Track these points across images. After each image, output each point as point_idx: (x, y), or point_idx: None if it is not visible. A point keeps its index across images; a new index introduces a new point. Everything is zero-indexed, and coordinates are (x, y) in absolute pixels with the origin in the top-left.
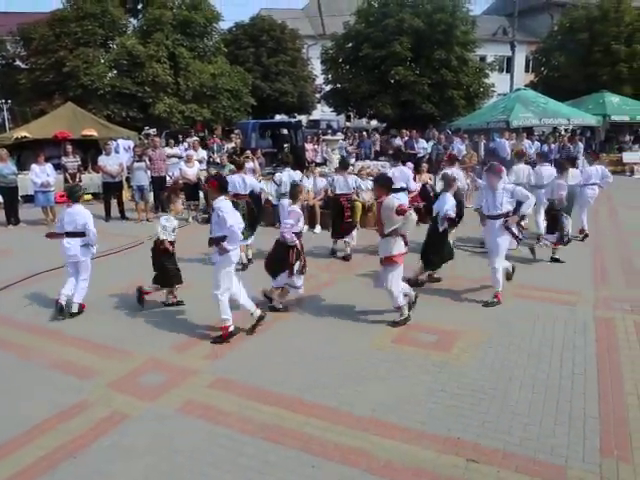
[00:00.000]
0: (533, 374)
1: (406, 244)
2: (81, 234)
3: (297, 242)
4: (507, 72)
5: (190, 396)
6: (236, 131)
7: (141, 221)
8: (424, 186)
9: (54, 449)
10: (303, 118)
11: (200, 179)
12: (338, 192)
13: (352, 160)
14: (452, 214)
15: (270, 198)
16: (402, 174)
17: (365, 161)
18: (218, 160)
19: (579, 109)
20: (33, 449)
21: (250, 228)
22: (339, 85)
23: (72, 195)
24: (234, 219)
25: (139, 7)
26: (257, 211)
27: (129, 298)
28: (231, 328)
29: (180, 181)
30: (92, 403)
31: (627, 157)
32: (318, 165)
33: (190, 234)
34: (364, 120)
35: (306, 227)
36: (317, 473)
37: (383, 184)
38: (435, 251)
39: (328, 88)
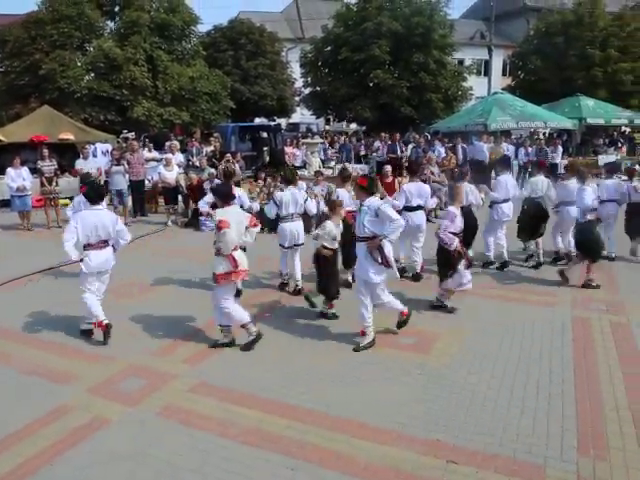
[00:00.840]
0: (512, 374)
1: (236, 265)
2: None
3: (456, 241)
4: (485, 75)
5: (170, 401)
6: (215, 134)
7: None
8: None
9: (33, 455)
10: (283, 121)
11: (179, 183)
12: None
13: (332, 163)
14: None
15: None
16: (419, 190)
17: (344, 164)
18: (197, 164)
19: (555, 112)
20: (11, 456)
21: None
22: (318, 88)
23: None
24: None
25: (116, 10)
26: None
27: (108, 303)
28: None
29: (159, 185)
30: (71, 408)
31: (602, 160)
32: (298, 168)
33: (170, 238)
34: (343, 123)
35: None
36: (297, 476)
37: (219, 195)
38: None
39: (307, 91)
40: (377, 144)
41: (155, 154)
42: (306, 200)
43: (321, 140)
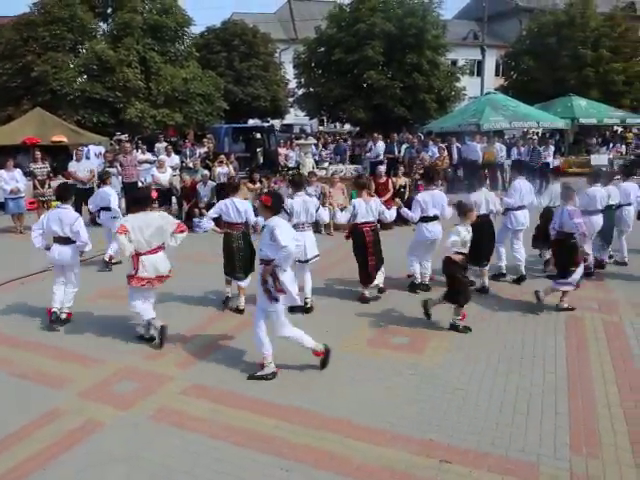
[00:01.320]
0: (505, 373)
1: (135, 269)
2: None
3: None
4: (478, 76)
5: (163, 403)
6: (208, 135)
7: None
8: (399, 190)
9: (25, 459)
10: (276, 122)
11: (174, 185)
12: (360, 220)
13: (325, 164)
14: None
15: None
16: (435, 199)
17: (338, 165)
18: (191, 165)
19: (548, 112)
20: (3, 459)
21: (245, 267)
22: (312, 89)
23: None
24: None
25: (109, 11)
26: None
27: (100, 306)
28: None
29: (153, 187)
30: (64, 412)
31: (594, 160)
32: (291, 169)
33: None
34: (337, 124)
35: None
36: (290, 476)
37: (132, 201)
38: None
39: (301, 92)
40: (370, 144)
41: (148, 156)
42: (318, 208)
43: (314, 141)
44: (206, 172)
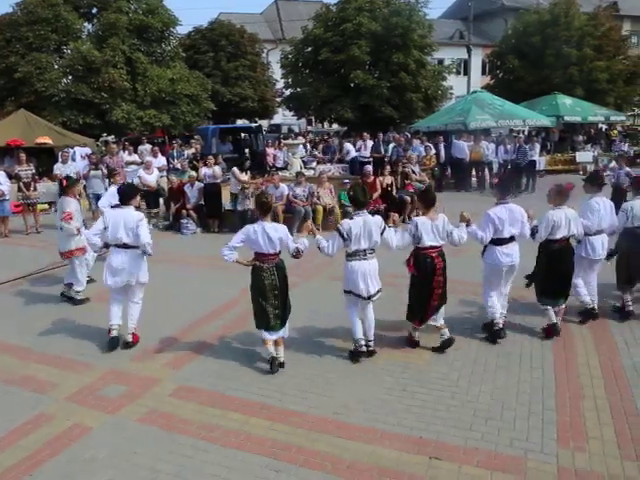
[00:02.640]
0: (493, 370)
1: None
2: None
3: None
4: (465, 75)
5: (152, 406)
6: (196, 136)
7: None
8: (386, 188)
9: (12, 466)
10: (264, 123)
11: (161, 187)
12: (426, 244)
13: (313, 164)
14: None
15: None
16: (512, 215)
17: (326, 164)
18: (178, 166)
19: (534, 110)
20: None
21: (283, 312)
22: (299, 89)
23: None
24: None
25: (94, 11)
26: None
27: (84, 308)
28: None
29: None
30: (51, 417)
31: (580, 157)
32: (279, 170)
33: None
34: (325, 124)
35: None
36: (281, 477)
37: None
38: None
39: (288, 92)
40: (359, 144)
41: (135, 157)
42: (384, 230)
43: (302, 140)
44: (193, 173)
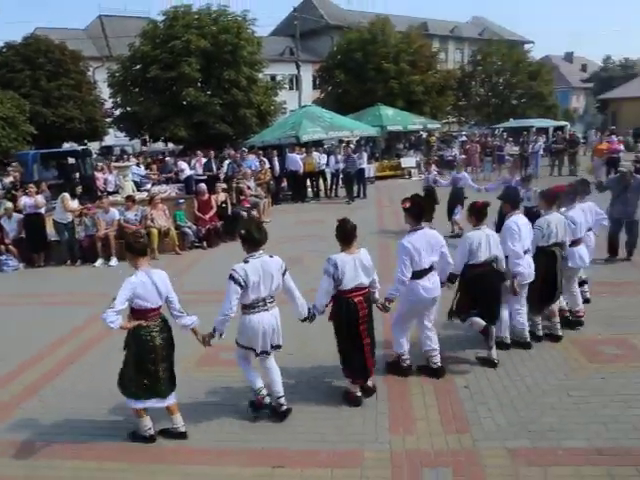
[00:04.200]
0: (321, 375)
1: None
2: None
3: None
4: (297, 89)
5: None
6: (14, 164)
7: None
8: (221, 206)
9: None
10: (95, 145)
11: None
12: (347, 286)
13: (148, 186)
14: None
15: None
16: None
17: (161, 185)
18: None
19: (360, 121)
20: None
21: (171, 375)
22: (129, 109)
23: None
24: None
25: None
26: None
27: None
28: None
29: None
30: None
31: (404, 162)
32: (110, 194)
33: None
34: (161, 143)
35: (100, 261)
36: None
37: None
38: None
39: (118, 112)
40: (193, 162)
41: None
42: (285, 272)
43: (133, 162)
44: (9, 204)
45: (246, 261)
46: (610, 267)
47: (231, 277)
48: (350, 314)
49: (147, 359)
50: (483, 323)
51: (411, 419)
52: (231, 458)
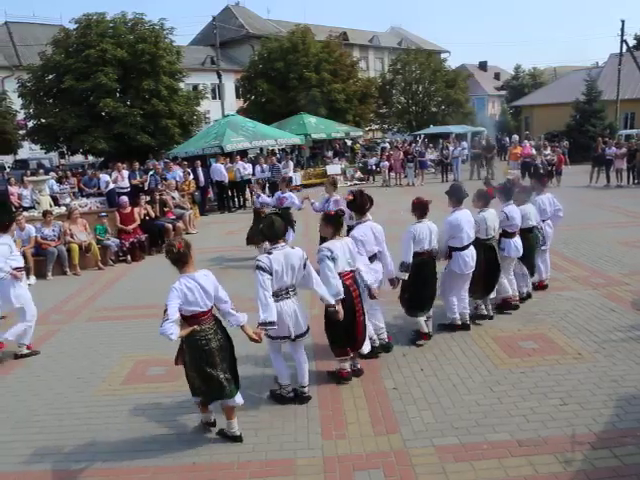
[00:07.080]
0: (248, 386)
1: None
2: None
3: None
4: (220, 99)
5: None
6: None
7: None
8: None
9: None
10: (9, 158)
11: None
12: (340, 269)
13: (67, 200)
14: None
15: None
16: (375, 232)
17: (81, 199)
18: None
19: (284, 130)
20: None
21: (233, 373)
22: (43, 120)
23: None
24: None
25: None
26: None
27: None
28: None
29: None
30: None
31: (330, 170)
32: (27, 209)
33: None
34: (80, 156)
35: (27, 279)
36: None
37: None
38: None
39: (32, 124)
40: (114, 174)
41: None
42: (306, 262)
43: (50, 176)
44: None
45: (269, 252)
46: None
47: (258, 267)
48: (345, 293)
49: (204, 364)
50: (426, 329)
51: (343, 423)
52: (164, 476)
